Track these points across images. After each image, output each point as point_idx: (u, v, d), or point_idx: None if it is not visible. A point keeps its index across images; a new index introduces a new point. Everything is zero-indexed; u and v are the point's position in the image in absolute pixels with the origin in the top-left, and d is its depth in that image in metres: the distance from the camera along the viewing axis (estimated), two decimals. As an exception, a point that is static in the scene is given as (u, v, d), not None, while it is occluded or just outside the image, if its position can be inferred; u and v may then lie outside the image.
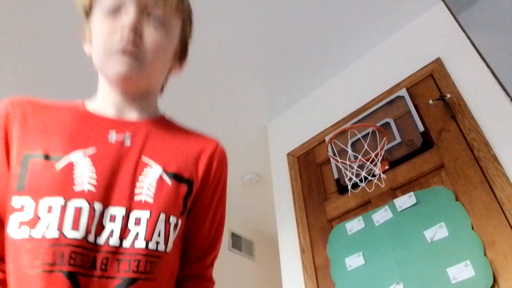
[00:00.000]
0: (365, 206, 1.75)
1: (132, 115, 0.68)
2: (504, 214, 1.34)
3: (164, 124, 0.71)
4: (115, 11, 0.63)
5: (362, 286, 1.54)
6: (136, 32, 0.63)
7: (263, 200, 3.26)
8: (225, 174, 0.74)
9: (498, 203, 1.37)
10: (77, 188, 0.56)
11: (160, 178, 0.62)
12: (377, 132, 1.78)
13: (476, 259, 1.31)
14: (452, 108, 1.66)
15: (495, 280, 1.26)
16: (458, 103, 1.66)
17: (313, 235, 1.88)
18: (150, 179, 0.61)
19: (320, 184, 2.01)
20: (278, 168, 2.31)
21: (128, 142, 0.64)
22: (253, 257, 3.41)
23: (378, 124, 1.85)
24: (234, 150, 2.81)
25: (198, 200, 0.69)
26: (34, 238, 0.53)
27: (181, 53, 0.76)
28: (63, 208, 0.54)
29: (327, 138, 2.04)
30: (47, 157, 0.58)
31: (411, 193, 1.58)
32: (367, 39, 2.17)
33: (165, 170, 0.63)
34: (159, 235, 0.58)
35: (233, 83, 2.37)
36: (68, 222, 0.53)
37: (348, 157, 1.86)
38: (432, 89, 1.79)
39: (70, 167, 0.58)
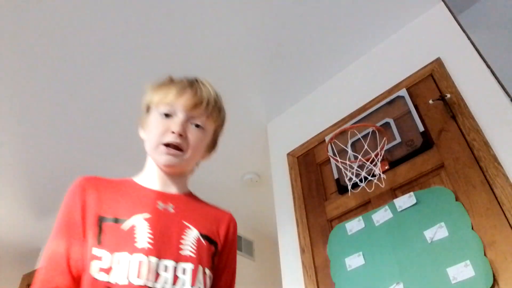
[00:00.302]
0: (365, 206, 1.75)
1: (172, 189, 0.89)
2: (504, 214, 1.34)
3: (192, 198, 0.93)
4: (168, 115, 0.86)
5: (362, 286, 1.54)
6: (182, 133, 0.84)
7: (263, 200, 3.26)
8: (236, 238, 0.95)
9: (498, 203, 1.37)
10: (138, 245, 0.74)
11: (198, 238, 0.81)
12: (377, 132, 1.78)
13: (476, 259, 1.31)
14: (452, 108, 1.66)
15: (495, 280, 1.26)
16: (458, 103, 1.65)
17: (313, 235, 1.88)
18: (191, 238, 0.80)
19: (320, 184, 2.01)
20: (278, 168, 2.31)
21: (171, 210, 0.83)
22: (253, 257, 3.41)
23: (378, 124, 1.85)
24: (234, 150, 2.81)
25: (219, 257, 0.88)
26: (111, 283, 0.70)
27: (212, 146, 0.97)
28: (128, 261, 0.72)
29: (327, 138, 2.04)
30: (116, 220, 0.77)
31: (411, 193, 1.58)
32: (367, 39, 2.17)
33: (200, 233, 0.83)
34: (199, 282, 0.77)
35: (233, 83, 2.36)
36: (133, 272, 0.71)
37: (348, 157, 1.86)
38: (432, 89, 1.79)
39: (132, 228, 0.76)
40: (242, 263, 3.25)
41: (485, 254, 1.31)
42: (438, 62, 1.83)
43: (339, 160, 1.81)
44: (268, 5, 1.98)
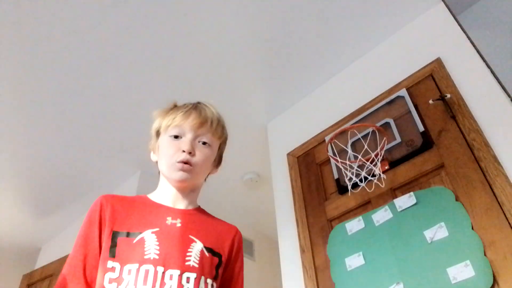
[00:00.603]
0: (365, 206, 1.75)
1: (182, 205, 0.98)
2: (504, 214, 1.34)
3: (201, 212, 1.01)
4: (178, 137, 0.96)
5: (362, 286, 1.54)
6: (192, 151, 0.94)
7: (263, 200, 3.26)
8: (242, 251, 1.03)
9: (498, 203, 1.37)
10: (146, 256, 0.83)
11: (202, 251, 0.89)
12: (377, 132, 1.78)
13: (476, 259, 1.31)
14: (452, 108, 1.66)
15: (495, 280, 1.26)
16: (458, 103, 1.65)
17: (313, 235, 1.88)
18: (196, 251, 0.89)
19: (320, 184, 2.01)
20: (278, 168, 2.31)
21: (179, 224, 0.92)
22: (253, 257, 3.41)
23: (378, 124, 1.85)
24: (234, 150, 2.80)
25: (226, 269, 0.96)
26: None
27: (218, 161, 1.07)
28: (137, 271, 0.81)
29: (327, 138, 2.04)
30: (128, 234, 0.87)
31: (411, 193, 1.58)
32: (367, 39, 2.17)
33: (204, 245, 0.91)
34: None
35: (233, 83, 2.37)
36: (140, 280, 0.80)
37: (348, 157, 1.86)
38: (432, 89, 1.79)
39: (142, 241, 0.86)
40: (242, 263, 3.26)
41: (485, 254, 1.31)
42: (438, 62, 1.83)
43: (339, 160, 1.81)
44: (268, 5, 1.98)
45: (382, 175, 1.71)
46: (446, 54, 1.84)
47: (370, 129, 1.81)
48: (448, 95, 1.69)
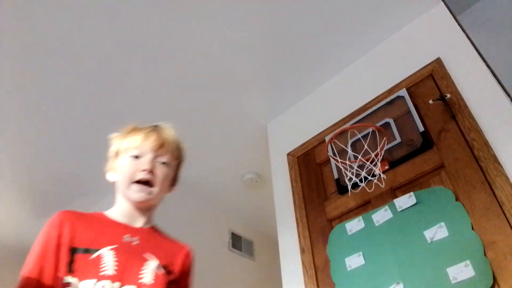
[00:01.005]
0: (365, 206, 1.75)
1: (139, 223, 1.01)
2: (504, 214, 1.34)
3: (156, 231, 1.06)
4: (137, 157, 1.00)
5: (362, 286, 1.54)
6: (151, 171, 0.98)
7: (263, 200, 3.26)
8: (192, 268, 1.08)
9: (498, 203, 1.37)
10: (104, 272, 0.86)
11: (156, 268, 0.94)
12: (377, 132, 1.78)
13: (476, 259, 1.31)
14: (452, 108, 1.66)
15: (495, 280, 1.26)
16: (458, 103, 1.65)
17: (313, 235, 1.88)
18: (151, 268, 0.93)
19: (320, 184, 2.01)
20: (278, 168, 2.31)
21: (136, 242, 0.96)
22: (253, 257, 3.41)
23: (378, 124, 1.85)
24: (234, 150, 2.81)
25: (177, 285, 1.00)
26: None
27: (174, 180, 1.11)
28: (94, 286, 0.84)
29: (327, 138, 2.04)
30: (86, 250, 0.89)
31: (411, 193, 1.58)
32: (367, 39, 2.16)
33: (159, 263, 0.95)
34: None
35: (233, 83, 2.37)
36: None
37: (348, 157, 1.86)
38: (432, 89, 1.79)
39: (100, 257, 0.88)
40: (242, 263, 3.26)
41: (485, 254, 1.31)
42: (438, 62, 1.83)
43: (339, 160, 1.81)
44: (268, 5, 1.98)
45: (382, 175, 1.71)
46: (446, 54, 1.84)
47: (370, 129, 1.81)
48: (448, 95, 1.69)
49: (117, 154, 1.06)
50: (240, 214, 3.45)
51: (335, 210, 1.85)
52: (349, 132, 1.90)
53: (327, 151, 1.92)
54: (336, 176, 1.91)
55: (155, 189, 0.99)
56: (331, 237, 1.77)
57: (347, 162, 1.80)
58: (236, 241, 3.33)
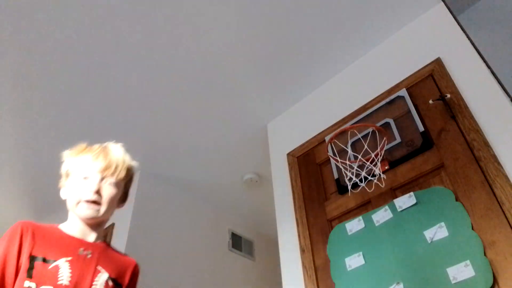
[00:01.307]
0: (365, 206, 1.75)
1: (91, 238, 1.09)
2: (504, 214, 1.34)
3: (107, 246, 1.13)
4: (86, 178, 1.08)
5: (362, 286, 1.54)
6: (98, 191, 1.06)
7: (263, 200, 3.26)
8: (138, 281, 1.16)
9: (498, 203, 1.37)
10: (59, 282, 0.95)
11: (107, 281, 1.03)
12: (377, 132, 1.78)
13: (476, 259, 1.31)
14: (452, 108, 1.66)
15: (495, 280, 1.26)
16: (458, 103, 1.65)
17: (313, 235, 1.88)
18: (102, 280, 1.03)
19: (320, 184, 2.01)
20: (278, 168, 2.31)
21: (89, 256, 1.04)
22: (253, 257, 3.41)
23: (378, 124, 1.85)
24: (234, 150, 2.81)
25: None
26: None
27: (124, 197, 1.18)
28: None
29: (327, 138, 2.04)
30: (44, 259, 0.97)
31: (411, 193, 1.58)
32: (367, 39, 2.17)
33: (109, 276, 1.04)
34: None
35: (233, 83, 2.37)
36: None
37: (348, 157, 1.86)
38: (432, 89, 1.79)
39: (56, 268, 0.97)
40: (242, 263, 3.26)
41: (485, 254, 1.31)
42: (438, 62, 1.83)
43: (339, 160, 1.81)
44: (268, 5, 1.98)
45: (382, 175, 1.71)
46: (446, 54, 1.84)
47: (370, 129, 1.81)
48: (448, 95, 1.69)
49: (67, 173, 1.14)
50: (240, 214, 3.45)
51: (335, 210, 1.85)
52: (349, 132, 1.90)
53: (327, 151, 1.92)
54: (336, 176, 1.91)
55: (102, 208, 1.07)
56: (331, 237, 1.77)
57: (347, 162, 1.80)
58: (236, 241, 3.33)
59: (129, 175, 1.18)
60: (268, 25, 2.07)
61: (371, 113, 1.96)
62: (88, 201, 1.05)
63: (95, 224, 1.10)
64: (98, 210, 1.06)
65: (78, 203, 1.06)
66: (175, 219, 2.93)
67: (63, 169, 1.15)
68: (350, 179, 1.77)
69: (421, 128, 1.70)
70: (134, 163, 1.20)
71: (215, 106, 2.48)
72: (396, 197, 1.64)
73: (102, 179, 1.08)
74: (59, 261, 0.98)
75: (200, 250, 2.96)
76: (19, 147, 2.63)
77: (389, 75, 2.01)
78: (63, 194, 1.14)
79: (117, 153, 1.14)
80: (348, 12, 2.03)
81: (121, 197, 1.17)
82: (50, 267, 0.96)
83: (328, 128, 2.13)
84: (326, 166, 2.04)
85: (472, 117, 1.59)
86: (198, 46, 2.15)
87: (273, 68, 2.29)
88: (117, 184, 1.11)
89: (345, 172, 1.79)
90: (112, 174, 1.10)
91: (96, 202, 1.06)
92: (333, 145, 1.95)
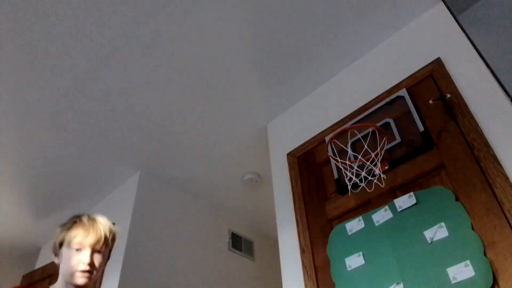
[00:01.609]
0: (365, 206, 1.75)
1: None
2: (504, 214, 1.34)
3: None
4: (78, 250, 1.24)
5: (362, 286, 1.54)
6: (90, 262, 1.23)
7: (263, 200, 3.26)
8: None
9: (498, 203, 1.37)
10: None
11: None
12: (377, 132, 1.78)
13: (476, 259, 1.31)
14: (452, 108, 1.66)
15: (495, 280, 1.26)
16: (458, 103, 1.66)
17: (313, 235, 1.88)
18: None
19: (320, 184, 2.01)
20: (278, 168, 2.31)
21: None
22: (253, 257, 3.41)
23: (378, 124, 1.85)
24: (234, 150, 2.81)
25: None
26: None
27: (108, 257, 1.36)
28: None
29: (327, 138, 2.04)
30: None
31: (411, 193, 1.58)
32: (367, 39, 2.17)
33: None
34: None
35: (233, 83, 2.37)
36: None
37: (348, 157, 1.86)
38: (432, 89, 1.79)
39: None
40: (242, 263, 3.26)
41: (485, 254, 1.31)
42: (438, 62, 1.83)
43: (339, 160, 1.81)
44: (268, 5, 1.98)
45: (382, 175, 1.71)
46: (446, 54, 1.84)
47: (370, 129, 1.82)
48: (448, 95, 1.69)
49: (61, 244, 1.29)
50: (240, 214, 3.45)
51: (335, 210, 1.85)
52: (349, 132, 1.91)
53: (327, 151, 1.92)
54: (336, 176, 1.92)
55: (94, 275, 1.25)
56: (331, 237, 1.78)
57: (347, 162, 1.80)
58: (236, 241, 3.33)
59: (114, 240, 1.37)
60: (268, 25, 2.07)
61: (371, 113, 1.96)
62: (83, 271, 1.22)
63: (86, 286, 1.25)
64: (91, 277, 1.24)
65: (72, 272, 1.22)
66: (175, 219, 2.93)
67: (56, 241, 1.30)
68: (350, 179, 1.78)
69: (421, 128, 1.70)
70: (116, 229, 1.39)
71: (215, 106, 2.49)
72: (396, 197, 1.64)
73: (93, 251, 1.26)
74: None
75: (200, 250, 2.96)
76: (19, 147, 2.63)
77: (389, 75, 2.01)
78: (56, 260, 1.31)
79: (104, 227, 1.31)
80: (348, 12, 2.03)
81: (107, 259, 1.36)
82: None
83: (328, 128, 2.13)
84: (326, 166, 2.05)
85: (472, 117, 1.59)
86: (198, 46, 2.15)
87: (273, 68, 2.29)
88: (104, 253, 1.31)
89: (345, 172, 1.79)
90: (101, 245, 1.28)
91: (89, 272, 1.23)
92: (333, 145, 1.95)
